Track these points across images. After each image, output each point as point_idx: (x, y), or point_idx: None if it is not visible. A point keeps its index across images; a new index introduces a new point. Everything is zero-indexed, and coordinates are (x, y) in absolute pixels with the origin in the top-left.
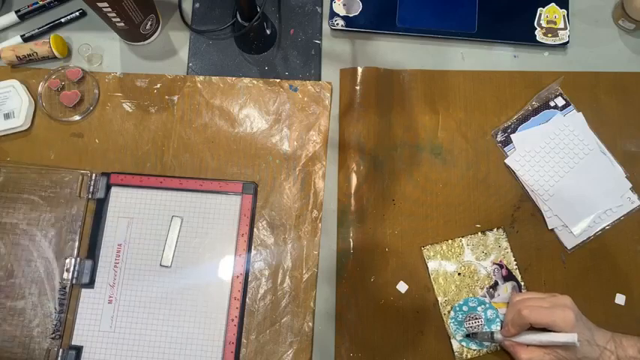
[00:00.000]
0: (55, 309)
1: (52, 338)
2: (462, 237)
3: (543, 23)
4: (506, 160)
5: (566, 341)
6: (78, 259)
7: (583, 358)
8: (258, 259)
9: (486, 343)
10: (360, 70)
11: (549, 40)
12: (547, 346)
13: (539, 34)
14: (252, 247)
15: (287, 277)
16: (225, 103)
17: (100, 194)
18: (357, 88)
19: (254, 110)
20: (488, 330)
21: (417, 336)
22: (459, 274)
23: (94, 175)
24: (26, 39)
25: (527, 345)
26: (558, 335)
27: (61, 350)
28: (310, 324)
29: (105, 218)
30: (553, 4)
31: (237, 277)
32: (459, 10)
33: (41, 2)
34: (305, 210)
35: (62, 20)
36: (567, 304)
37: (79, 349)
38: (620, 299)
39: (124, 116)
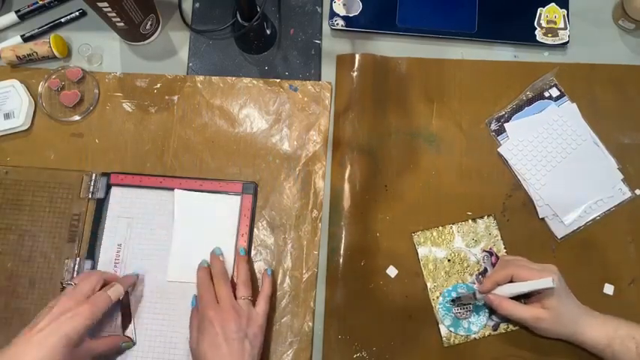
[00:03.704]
0: None
1: None
2: (453, 224)
3: (543, 23)
4: (499, 149)
5: (543, 286)
6: (78, 259)
7: (561, 323)
8: (258, 259)
9: (474, 328)
10: (357, 56)
11: (549, 40)
12: (530, 298)
13: (539, 34)
14: (252, 247)
15: (287, 277)
16: (225, 103)
17: (100, 194)
18: (354, 74)
19: (254, 110)
20: (470, 292)
21: (405, 320)
22: (449, 260)
23: (94, 175)
24: (26, 39)
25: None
26: (534, 282)
27: None
28: (310, 324)
29: (105, 218)
30: (553, 4)
31: None
32: (459, 10)
33: (41, 2)
34: (305, 210)
35: (62, 20)
36: (554, 271)
37: None
38: (608, 289)
39: (124, 116)
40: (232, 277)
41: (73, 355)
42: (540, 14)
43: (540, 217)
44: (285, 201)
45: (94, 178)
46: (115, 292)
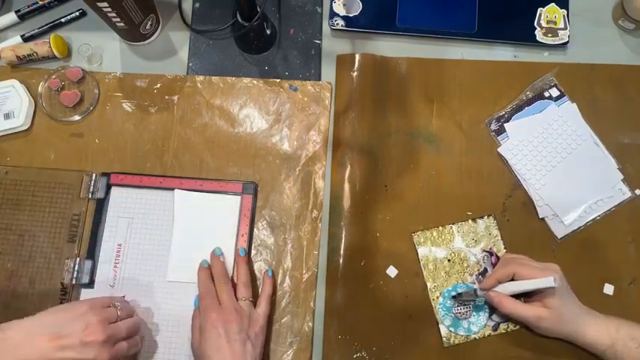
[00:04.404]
0: None
1: None
2: (453, 224)
3: (543, 23)
4: (499, 149)
5: (545, 285)
6: (78, 259)
7: (562, 322)
8: (258, 260)
9: (474, 329)
10: (357, 56)
11: (549, 40)
12: (531, 297)
13: (539, 34)
14: (252, 247)
15: (287, 277)
16: (225, 103)
17: (100, 194)
18: (354, 74)
19: (254, 110)
20: (471, 289)
21: (405, 320)
22: (449, 260)
23: (94, 175)
24: (26, 39)
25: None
26: (536, 281)
27: None
28: (310, 324)
29: (105, 218)
30: (553, 4)
31: None
32: (459, 10)
33: (41, 2)
34: (305, 210)
35: (62, 20)
36: (556, 270)
37: None
38: (608, 289)
39: (124, 116)
40: (232, 278)
41: None
42: (540, 14)
43: (540, 217)
44: (285, 201)
45: (94, 178)
46: (134, 349)
